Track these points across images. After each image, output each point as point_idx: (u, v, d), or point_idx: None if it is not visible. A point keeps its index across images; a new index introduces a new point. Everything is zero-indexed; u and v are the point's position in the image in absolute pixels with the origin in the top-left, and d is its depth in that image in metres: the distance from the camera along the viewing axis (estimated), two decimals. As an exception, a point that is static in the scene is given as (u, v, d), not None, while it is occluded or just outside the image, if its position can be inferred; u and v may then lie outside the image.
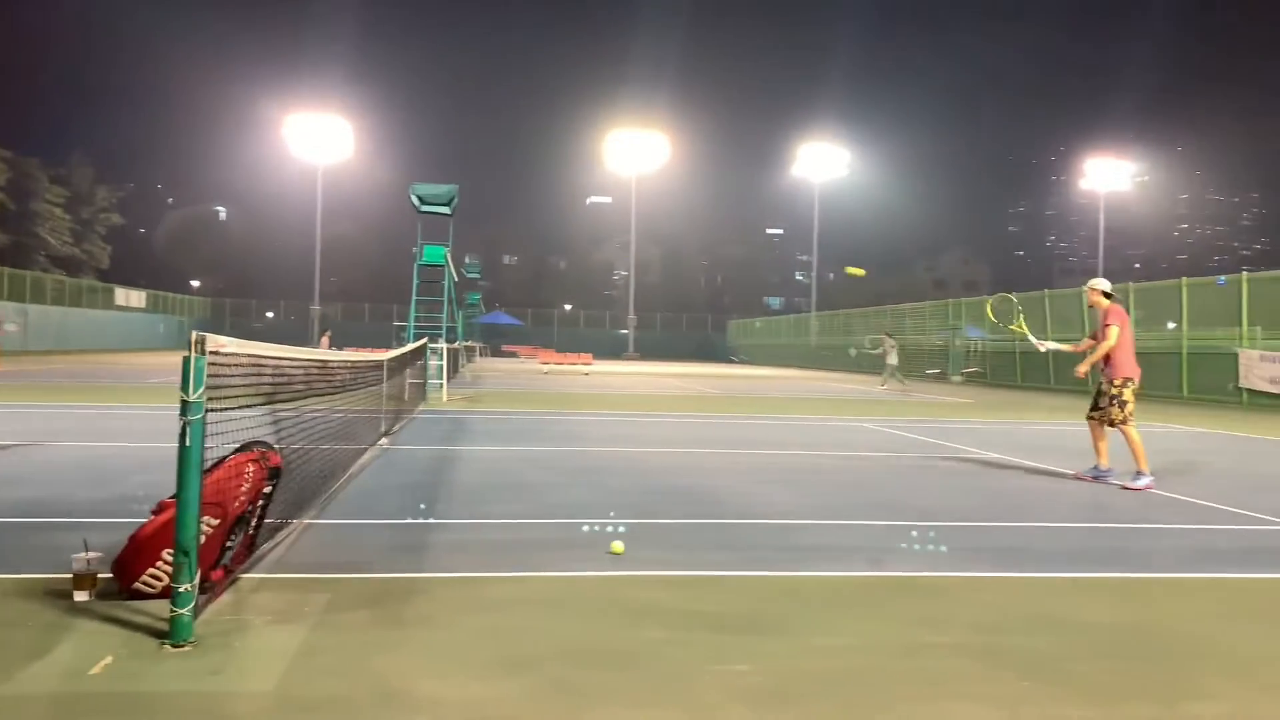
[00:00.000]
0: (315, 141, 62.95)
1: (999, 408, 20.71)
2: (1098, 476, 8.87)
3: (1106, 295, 9.01)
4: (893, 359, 28.24)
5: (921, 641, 3.99)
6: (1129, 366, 8.70)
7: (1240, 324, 22.85)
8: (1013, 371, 32.48)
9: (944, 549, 5.89)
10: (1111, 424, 8.69)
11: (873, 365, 43.04)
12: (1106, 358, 8.71)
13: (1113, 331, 8.63)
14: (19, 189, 56.51)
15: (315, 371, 7.09)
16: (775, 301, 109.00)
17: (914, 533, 6.37)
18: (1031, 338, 9.73)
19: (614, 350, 67.29)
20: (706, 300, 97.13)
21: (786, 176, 76.56)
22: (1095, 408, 8.89)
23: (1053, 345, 9.76)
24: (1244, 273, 24.30)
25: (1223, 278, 24.64)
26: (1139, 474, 8.48)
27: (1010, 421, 16.83)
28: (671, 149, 71.38)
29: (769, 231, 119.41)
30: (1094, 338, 9.04)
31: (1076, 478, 9.08)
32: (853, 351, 33.87)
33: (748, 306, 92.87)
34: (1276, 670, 3.76)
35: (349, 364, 9.27)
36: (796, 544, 5.95)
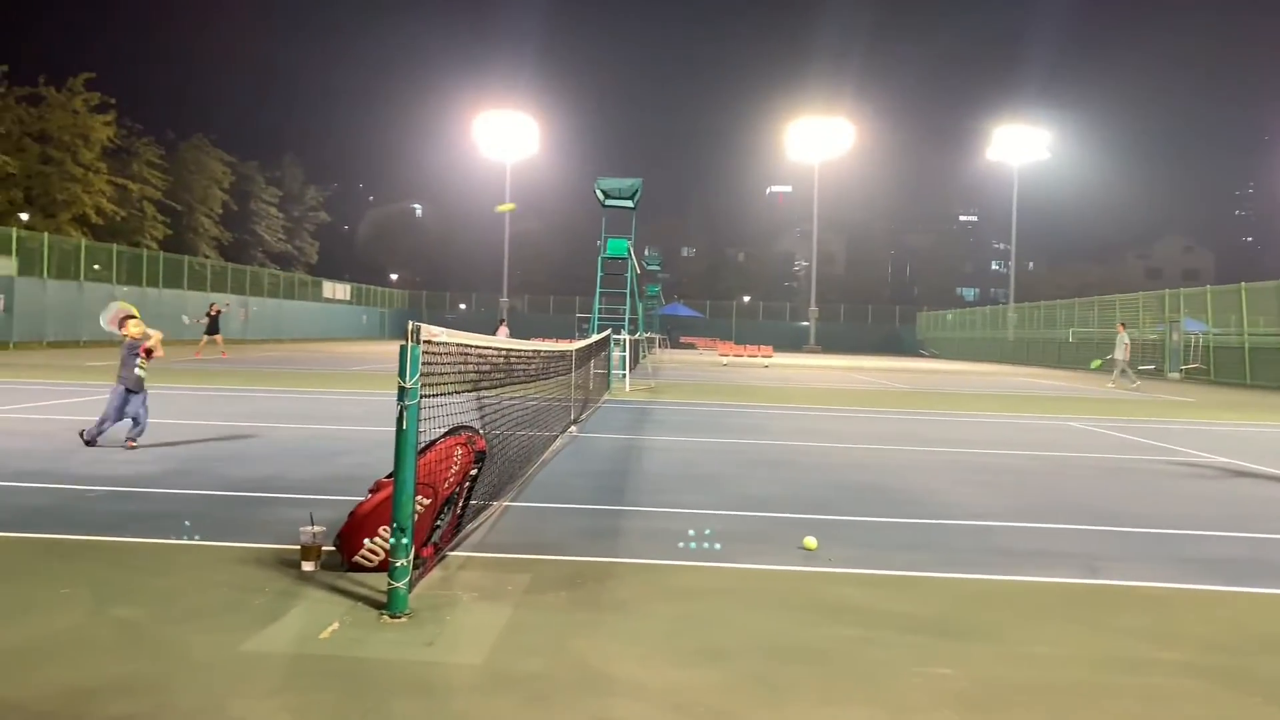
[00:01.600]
0: (504, 139, 65.54)
1: (1226, 408, 18.93)
2: None
3: None
4: (1119, 353, 25.46)
5: (1145, 657, 3.69)
6: None
7: None
8: (1241, 369, 29.60)
9: (1167, 559, 5.44)
10: None
11: (1082, 359, 40.40)
12: None
13: None
14: (240, 191, 62.01)
15: (514, 360, 7.37)
16: (969, 293, 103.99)
17: (1135, 540, 5.92)
18: None
19: (794, 343, 66.42)
20: (893, 291, 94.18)
21: (981, 160, 72.76)
22: None
23: None
24: None
25: None
26: None
27: (1240, 424, 15.35)
28: (856, 134, 69.48)
29: (962, 218, 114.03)
30: None
31: None
32: (1094, 365, 29.63)
33: (938, 297, 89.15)
34: None
35: (542, 354, 9.57)
36: (997, 547, 5.65)
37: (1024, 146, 64.64)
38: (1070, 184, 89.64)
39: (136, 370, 8.48)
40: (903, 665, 3.49)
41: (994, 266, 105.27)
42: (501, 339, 7.23)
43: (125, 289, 36.35)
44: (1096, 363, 27.04)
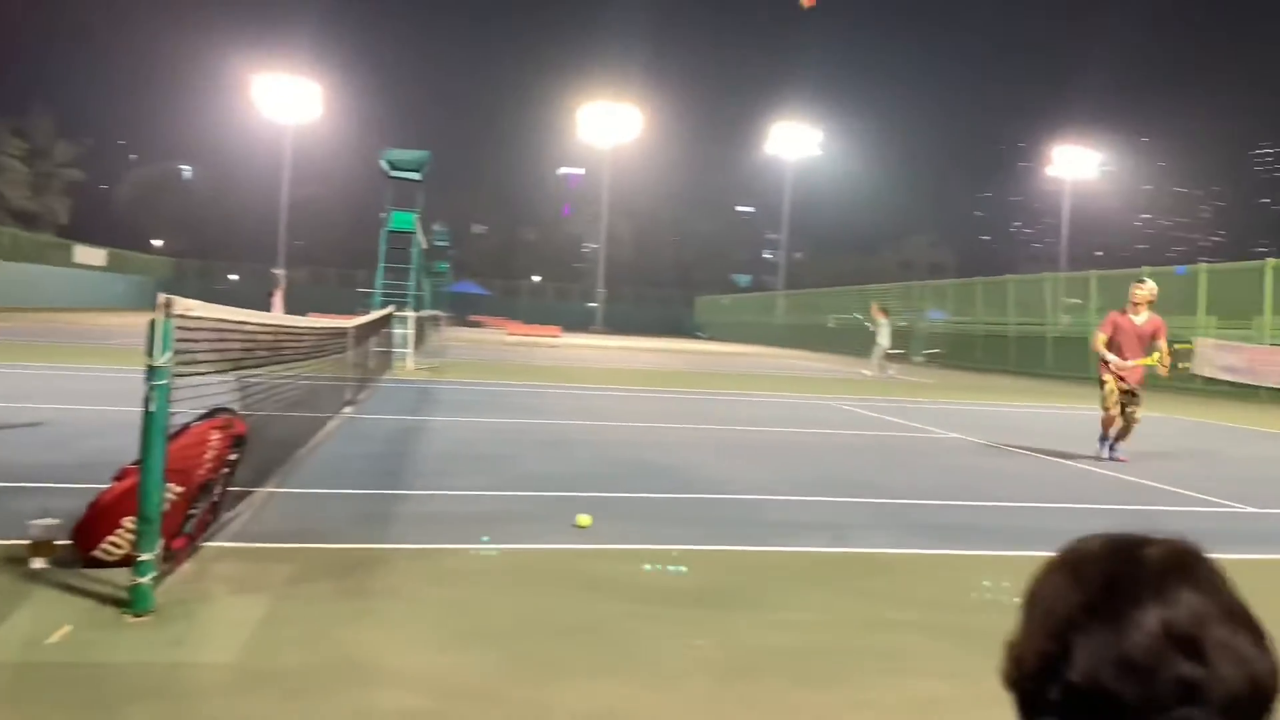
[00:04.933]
0: (284, 102, 61.83)
1: (961, 389, 20.99)
2: None
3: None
4: (883, 338, 25.97)
5: (882, 617, 4.05)
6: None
7: (1197, 313, 23.29)
8: (972, 353, 32.94)
9: (907, 527, 5.98)
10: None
11: (842, 344, 43.21)
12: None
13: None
14: (-25, 142, 55.05)
15: (283, 337, 7.02)
16: (744, 279, 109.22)
17: (878, 510, 6.47)
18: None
19: (582, 323, 67.08)
20: (676, 275, 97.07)
21: (759, 154, 76.50)
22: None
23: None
24: (1202, 263, 24.73)
25: (1182, 267, 25.05)
26: None
27: (970, 403, 17.06)
28: (645, 122, 70.90)
29: (739, 209, 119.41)
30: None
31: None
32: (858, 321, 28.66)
33: (716, 283, 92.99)
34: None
35: (314, 330, 9.17)
36: (762, 520, 6.01)
37: (798, 143, 68.45)
38: (837, 180, 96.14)
39: None
40: (666, 638, 3.65)
41: (766, 255, 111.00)
42: (273, 314, 6.86)
43: None
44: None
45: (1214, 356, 22.31)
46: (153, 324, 3.63)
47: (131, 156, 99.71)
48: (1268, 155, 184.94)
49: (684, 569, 4.70)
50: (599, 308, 68.62)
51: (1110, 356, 9.16)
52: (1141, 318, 9.18)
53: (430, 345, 29.33)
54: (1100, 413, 9.37)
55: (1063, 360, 27.96)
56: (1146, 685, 0.80)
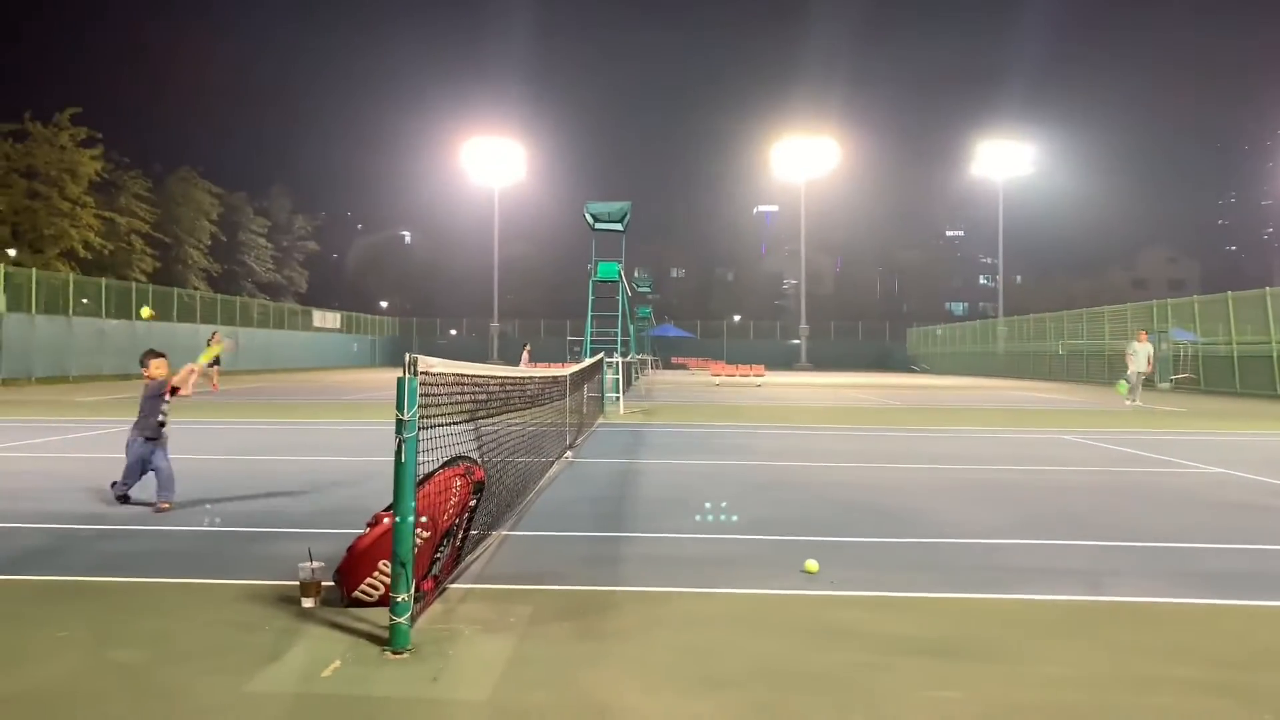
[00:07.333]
0: (492, 165, 66.12)
1: (1216, 417, 19.01)
2: None
3: None
4: (1139, 364, 22.44)
5: (1156, 674, 3.67)
6: None
7: None
8: (1230, 377, 29.75)
9: (1168, 573, 5.43)
10: None
11: (1073, 372, 40.38)
12: None
13: None
14: (228, 222, 62.07)
15: (511, 387, 7.36)
16: (958, 307, 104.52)
17: (1137, 555, 5.91)
18: None
19: (785, 361, 66.52)
20: (883, 307, 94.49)
21: (966, 175, 73.48)
22: None
23: None
24: None
25: None
26: None
27: (1230, 433, 15.40)
28: (841, 152, 70.08)
29: (949, 234, 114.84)
30: None
31: None
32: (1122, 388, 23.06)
33: (928, 313, 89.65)
34: None
35: (539, 379, 9.56)
36: (999, 564, 5.63)
37: (1008, 161, 65.28)
38: (1054, 197, 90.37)
39: (160, 416, 7.29)
40: (910, 689, 3.46)
41: (982, 281, 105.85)
42: (523, 367, 7.20)
43: (114, 323, 36.21)
44: (1123, 386, 23.66)
45: None
46: (401, 382, 3.88)
47: (358, 226, 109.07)
48: None
49: (921, 617, 4.47)
50: (802, 344, 67.78)
51: None
52: None
53: (638, 389, 29.97)
54: None
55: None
56: None
